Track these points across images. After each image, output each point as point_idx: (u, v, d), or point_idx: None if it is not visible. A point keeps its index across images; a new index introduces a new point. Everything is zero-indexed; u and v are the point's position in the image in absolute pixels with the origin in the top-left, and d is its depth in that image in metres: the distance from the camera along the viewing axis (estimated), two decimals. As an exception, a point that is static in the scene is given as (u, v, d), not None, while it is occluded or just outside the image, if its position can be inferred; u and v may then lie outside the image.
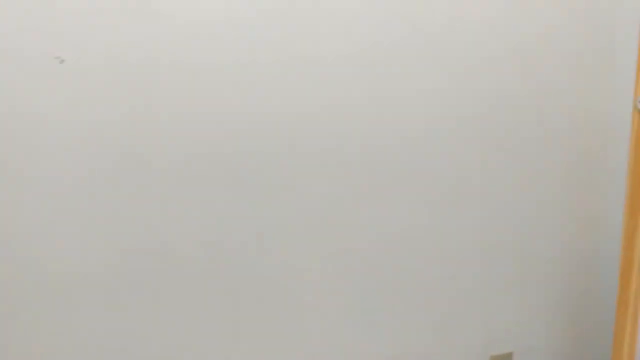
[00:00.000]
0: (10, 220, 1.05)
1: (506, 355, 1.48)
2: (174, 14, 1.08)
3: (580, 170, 1.48)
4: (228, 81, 1.13)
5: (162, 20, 1.08)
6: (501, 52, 1.34)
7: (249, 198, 1.18)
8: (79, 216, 1.08)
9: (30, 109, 1.03)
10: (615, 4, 1.42)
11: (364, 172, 1.26)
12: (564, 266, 1.51)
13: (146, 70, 1.08)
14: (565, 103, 1.43)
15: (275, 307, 1.24)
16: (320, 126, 1.22)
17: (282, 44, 1.16)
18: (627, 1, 1.43)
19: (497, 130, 1.37)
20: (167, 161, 1.11)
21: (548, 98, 1.40)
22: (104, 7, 1.04)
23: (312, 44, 1.18)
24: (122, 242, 1.11)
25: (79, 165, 1.07)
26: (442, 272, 1.38)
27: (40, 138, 1.05)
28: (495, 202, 1.40)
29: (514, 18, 1.33)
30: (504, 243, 1.44)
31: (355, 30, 1.21)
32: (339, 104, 1.22)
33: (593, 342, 1.62)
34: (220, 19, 1.12)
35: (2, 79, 1.01)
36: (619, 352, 0.59)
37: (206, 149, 1.13)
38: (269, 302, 1.23)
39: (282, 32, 1.16)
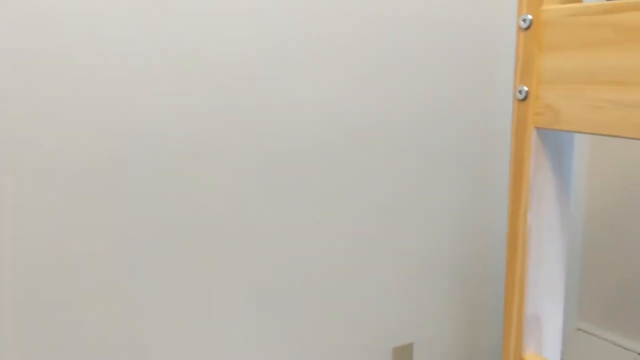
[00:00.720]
0: None
1: (407, 345, 1.51)
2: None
3: (476, 171, 1.55)
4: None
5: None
6: (397, 60, 1.36)
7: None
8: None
9: None
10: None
11: (262, 175, 1.23)
12: (459, 262, 1.58)
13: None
14: (460, 104, 1.49)
15: (162, 307, 1.16)
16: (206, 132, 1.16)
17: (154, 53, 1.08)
18: None
19: (388, 135, 1.39)
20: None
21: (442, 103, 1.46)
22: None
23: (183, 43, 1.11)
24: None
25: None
26: (341, 272, 1.39)
27: None
28: (390, 203, 1.43)
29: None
30: (400, 243, 1.47)
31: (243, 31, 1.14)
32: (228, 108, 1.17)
33: (486, 330, 1.70)
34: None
35: None
36: (507, 339, 0.62)
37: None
38: (157, 299, 1.15)
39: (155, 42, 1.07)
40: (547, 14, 0.53)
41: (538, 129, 0.56)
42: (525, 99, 0.56)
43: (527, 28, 0.55)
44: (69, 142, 1.05)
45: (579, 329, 1.88)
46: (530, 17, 0.55)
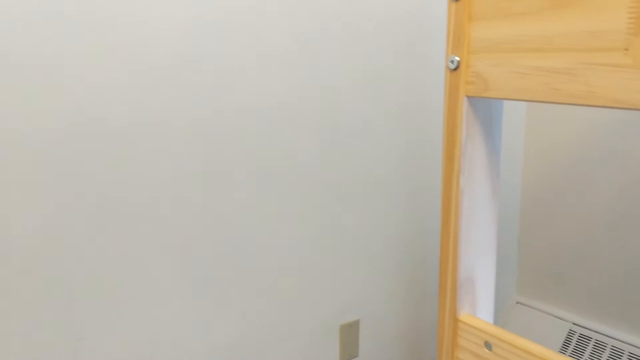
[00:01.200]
0: None
1: (354, 322, 1.54)
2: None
3: (415, 148, 1.58)
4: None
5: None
6: (317, 34, 1.37)
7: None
8: None
9: None
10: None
11: (199, 155, 1.21)
12: (402, 240, 1.62)
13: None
14: (389, 81, 1.51)
15: (102, 291, 1.14)
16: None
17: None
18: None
19: (320, 115, 1.41)
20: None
21: (372, 80, 1.48)
22: None
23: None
24: None
25: None
26: (288, 253, 1.40)
27: None
28: (332, 185, 1.44)
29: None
30: (344, 224, 1.49)
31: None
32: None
33: (429, 307, 1.75)
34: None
35: None
36: (443, 300, 0.65)
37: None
38: (95, 285, 1.13)
39: None
40: (475, -15, 0.56)
41: (469, 97, 0.58)
42: (456, 68, 0.58)
43: (458, -1, 0.57)
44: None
45: (518, 302, 1.96)
46: (460, -12, 0.57)
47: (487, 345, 0.59)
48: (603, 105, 0.49)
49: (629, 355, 1.62)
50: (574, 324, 1.77)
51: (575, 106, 1.71)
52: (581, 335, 1.73)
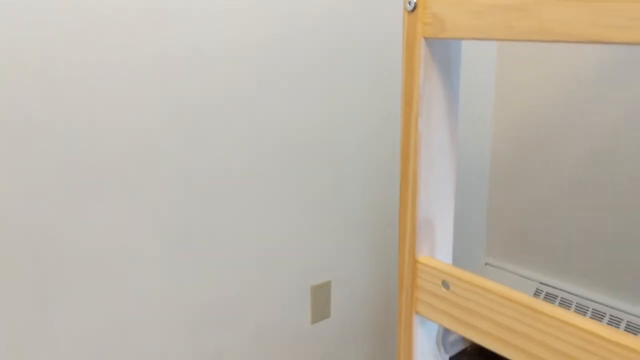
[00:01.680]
0: None
1: (325, 283, 1.56)
2: None
3: (381, 114, 1.59)
4: None
5: None
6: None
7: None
8: None
9: None
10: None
11: (175, 121, 1.20)
12: (375, 204, 1.63)
13: None
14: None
15: (74, 258, 1.13)
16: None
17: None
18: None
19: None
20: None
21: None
22: None
23: None
24: None
25: None
26: (260, 215, 1.40)
27: None
28: (308, 148, 1.44)
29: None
30: (319, 189, 1.50)
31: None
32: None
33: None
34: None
35: None
36: (402, 242, 0.65)
37: None
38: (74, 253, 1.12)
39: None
40: None
41: (426, 39, 0.58)
42: (414, 10, 0.58)
43: (415, -61, 0.57)
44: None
45: (487, 264, 2.00)
46: None
47: (445, 284, 0.61)
48: (556, 40, 0.49)
49: (593, 311, 1.67)
50: (540, 283, 1.82)
51: (544, 69, 1.73)
52: (547, 294, 1.78)
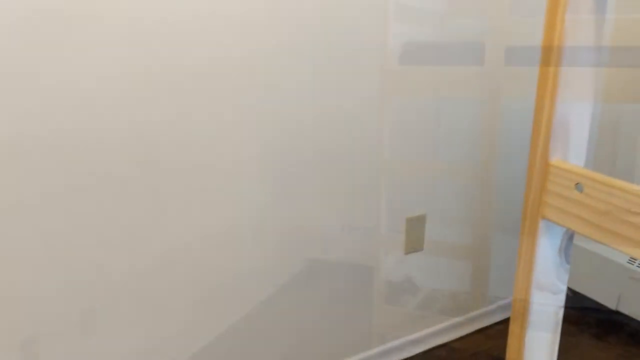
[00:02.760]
0: None
1: (420, 216, 1.56)
2: None
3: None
4: None
5: None
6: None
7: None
8: None
9: None
10: None
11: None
12: (471, 142, 1.60)
13: None
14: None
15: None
16: None
17: None
18: None
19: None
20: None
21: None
22: None
23: None
24: None
25: None
26: (360, 151, 1.40)
27: None
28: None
29: None
30: (416, 125, 1.47)
31: None
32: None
33: (494, 205, 1.75)
34: None
35: None
36: (535, 145, 0.64)
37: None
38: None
39: None
40: None
41: None
42: None
43: None
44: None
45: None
46: None
47: (578, 187, 0.59)
48: None
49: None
50: None
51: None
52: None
